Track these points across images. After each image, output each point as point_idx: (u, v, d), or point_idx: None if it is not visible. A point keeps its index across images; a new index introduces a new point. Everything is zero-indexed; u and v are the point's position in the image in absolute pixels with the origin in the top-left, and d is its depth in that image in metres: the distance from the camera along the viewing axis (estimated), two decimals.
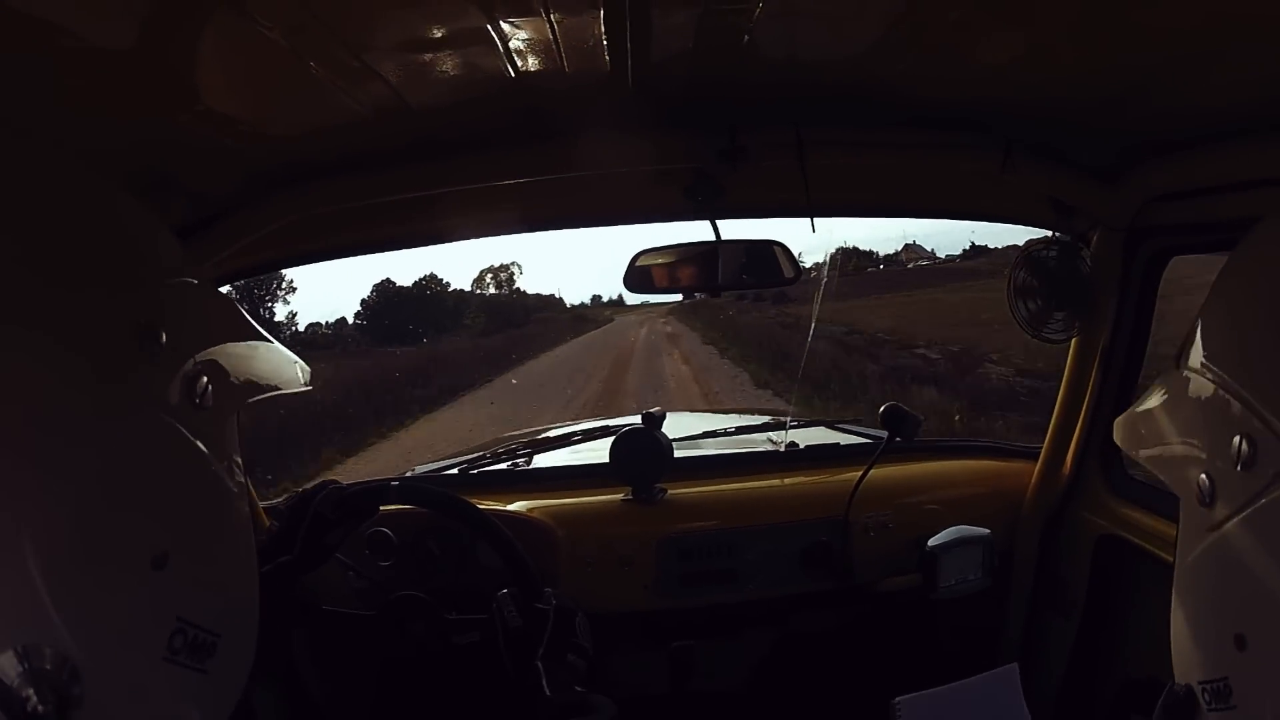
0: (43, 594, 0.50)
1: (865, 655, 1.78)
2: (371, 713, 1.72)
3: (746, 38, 1.04)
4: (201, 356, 0.62)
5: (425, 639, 1.50)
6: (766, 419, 2.42)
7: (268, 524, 1.67)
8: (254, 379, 0.70)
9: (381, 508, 1.52)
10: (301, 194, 1.40)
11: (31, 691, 0.48)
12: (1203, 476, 0.67)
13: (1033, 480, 1.74)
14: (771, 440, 2.10)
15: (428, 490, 1.55)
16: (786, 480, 1.87)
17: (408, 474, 2.07)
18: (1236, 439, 0.63)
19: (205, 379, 0.61)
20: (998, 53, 1.09)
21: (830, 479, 1.81)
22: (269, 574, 1.30)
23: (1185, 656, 0.71)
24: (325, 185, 1.40)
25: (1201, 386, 0.71)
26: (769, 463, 1.96)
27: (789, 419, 2.21)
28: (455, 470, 2.05)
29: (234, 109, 1.09)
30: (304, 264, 1.81)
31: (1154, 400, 0.83)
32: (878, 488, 1.72)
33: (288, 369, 0.76)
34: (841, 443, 2.07)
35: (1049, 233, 1.57)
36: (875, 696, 1.49)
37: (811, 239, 1.95)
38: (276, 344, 0.76)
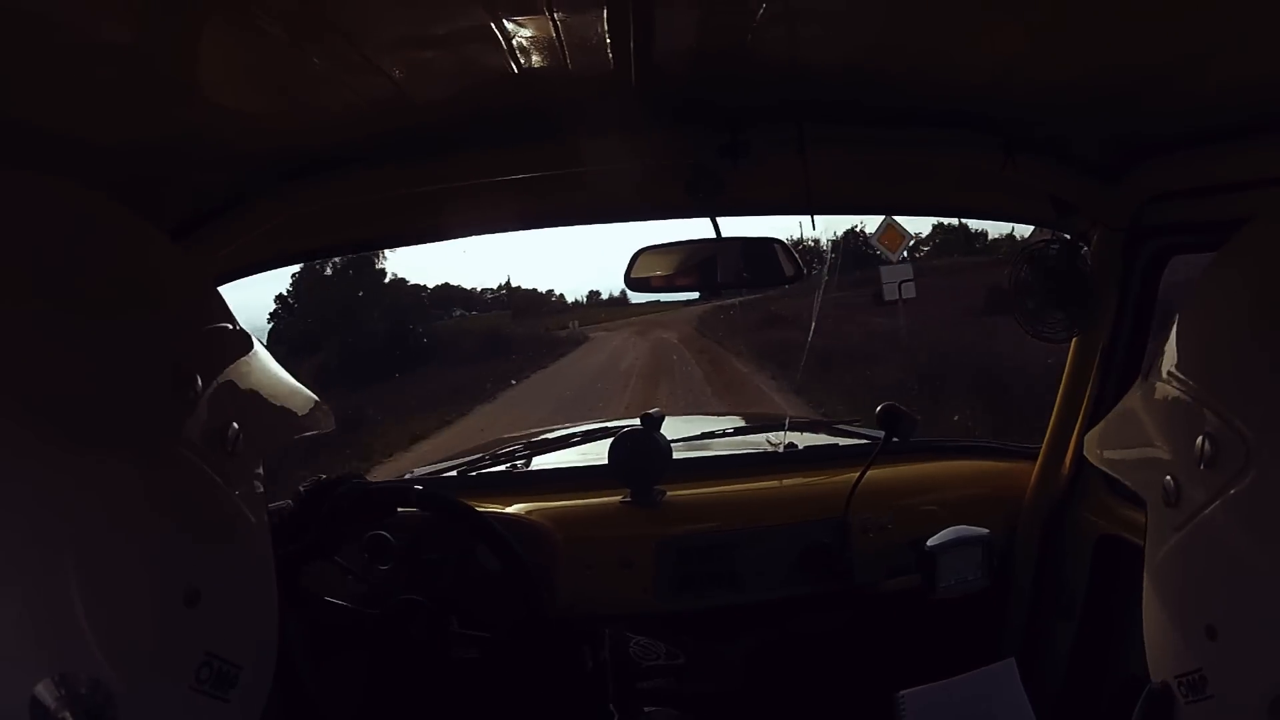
0: (84, 625, 0.53)
1: (865, 656, 1.78)
2: (369, 715, 1.71)
3: (749, 35, 1.04)
4: (233, 403, 0.65)
5: (425, 643, 1.49)
6: (764, 420, 2.41)
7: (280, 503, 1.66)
8: (282, 425, 0.73)
9: (400, 509, 1.51)
10: (302, 190, 1.40)
11: (69, 716, 0.51)
12: (1168, 478, 0.69)
13: (1032, 480, 1.74)
14: (769, 442, 2.10)
15: (449, 500, 1.53)
16: (785, 481, 1.86)
17: (405, 476, 2.06)
18: (1199, 439, 0.65)
19: (236, 425, 0.64)
20: (999, 50, 1.09)
21: (828, 480, 1.81)
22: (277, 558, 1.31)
23: (1160, 654, 0.72)
24: (327, 181, 1.40)
25: (1166, 393, 0.74)
26: (767, 464, 1.96)
27: (786, 420, 2.21)
28: (454, 473, 2.04)
29: (234, 104, 1.08)
30: (303, 261, 1.81)
31: (1121, 413, 0.86)
32: (876, 489, 1.72)
33: (313, 411, 0.79)
34: (839, 443, 2.07)
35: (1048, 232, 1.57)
36: (875, 697, 1.49)
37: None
38: (301, 387, 0.79)
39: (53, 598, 0.52)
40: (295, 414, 0.76)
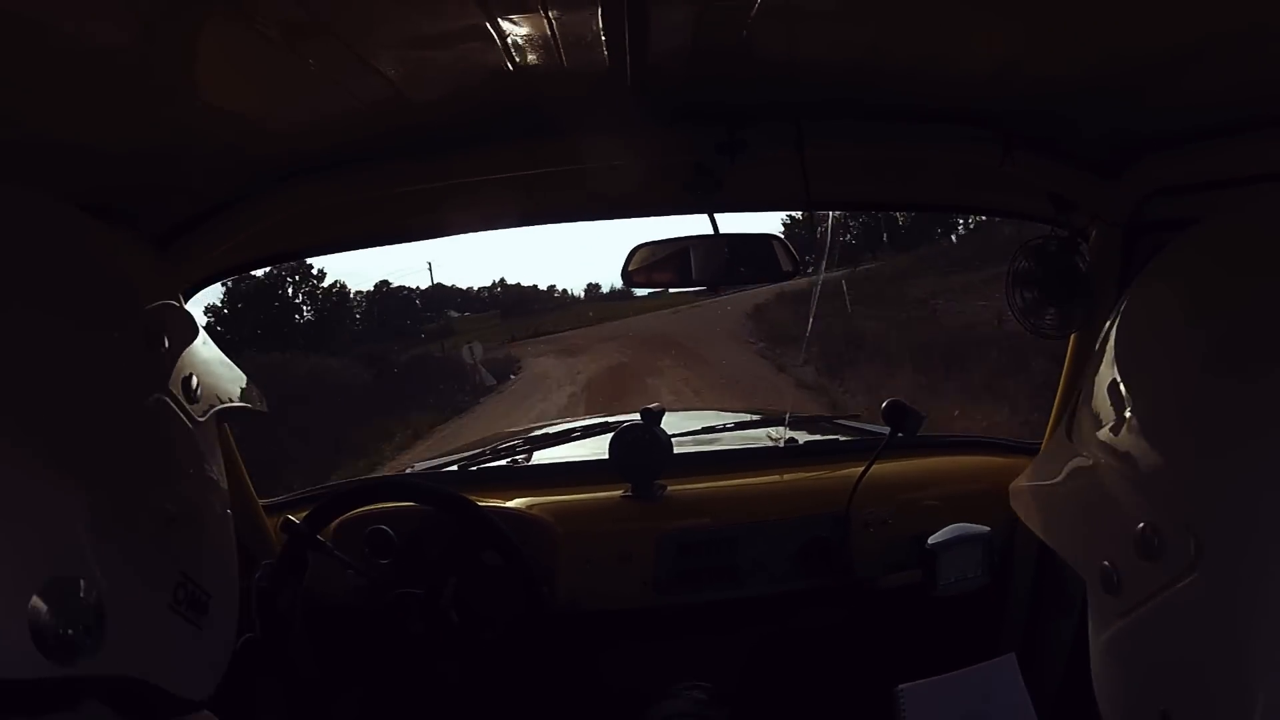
0: (81, 531, 0.58)
1: (865, 652, 1.78)
2: (369, 709, 1.72)
3: (745, 32, 1.04)
4: (192, 361, 0.75)
5: (425, 637, 1.50)
6: (766, 415, 2.41)
7: (267, 522, 1.68)
8: (229, 390, 0.83)
9: (310, 548, 1.56)
10: (297, 189, 1.40)
11: (65, 621, 0.55)
12: (1105, 564, 0.62)
13: None
14: (771, 436, 2.10)
15: (427, 487, 1.55)
16: (786, 476, 1.86)
17: (407, 470, 2.07)
18: (1140, 525, 0.58)
19: (195, 378, 0.74)
20: (998, 46, 1.08)
21: (830, 475, 1.81)
22: (241, 649, 1.40)
23: None
24: (322, 180, 1.40)
25: (1097, 463, 0.65)
26: (769, 459, 1.96)
27: (787, 415, 2.21)
28: (454, 467, 2.05)
29: (229, 105, 1.08)
30: (298, 259, 1.81)
31: (1047, 474, 0.77)
32: (878, 484, 1.72)
33: (251, 390, 0.89)
34: (841, 439, 2.07)
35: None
36: (875, 693, 1.49)
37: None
38: (239, 371, 0.88)
39: (55, 511, 0.58)
40: (240, 384, 0.86)
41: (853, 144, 1.45)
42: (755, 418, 2.39)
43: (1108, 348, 0.67)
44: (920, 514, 1.72)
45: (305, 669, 1.64)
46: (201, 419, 0.74)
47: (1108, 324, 0.68)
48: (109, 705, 0.61)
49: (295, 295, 31.48)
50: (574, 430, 2.24)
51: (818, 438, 2.07)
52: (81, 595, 0.57)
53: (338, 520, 1.59)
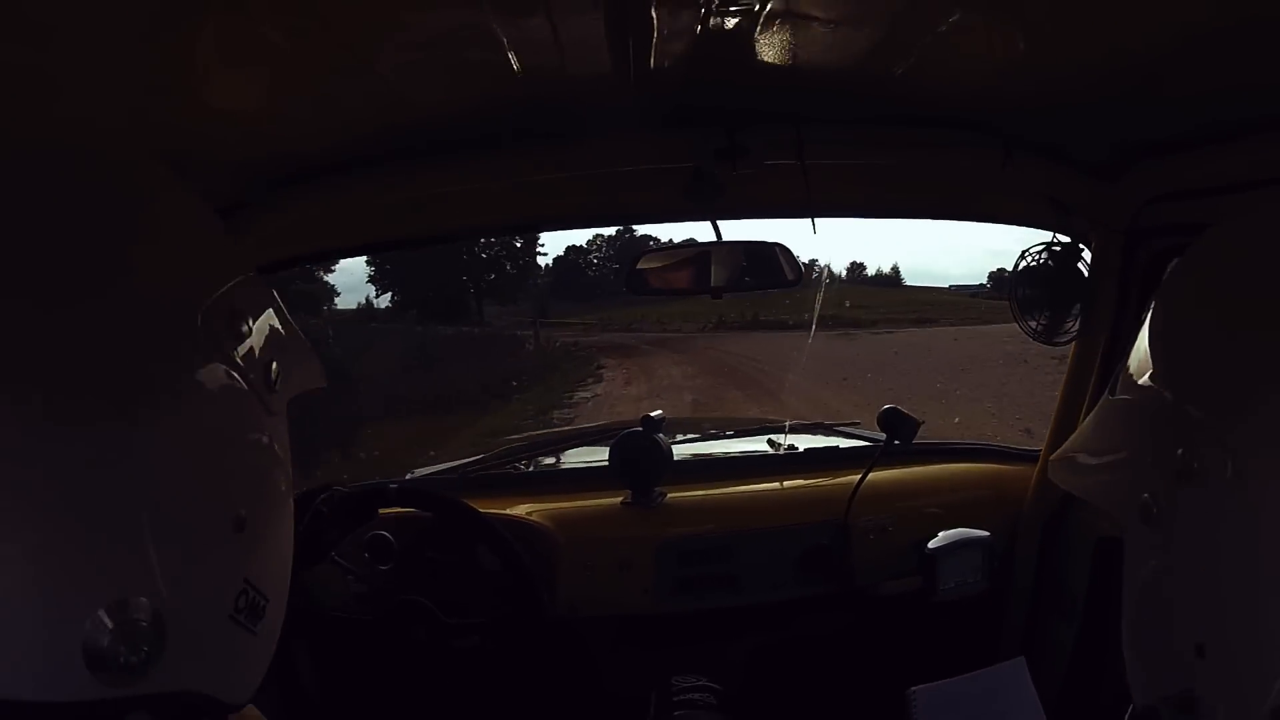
0: (149, 546, 0.56)
1: (866, 658, 1.78)
2: (370, 716, 1.71)
3: (747, 38, 1.04)
4: (272, 344, 0.71)
5: (426, 644, 1.50)
6: (765, 423, 2.41)
7: None
8: (303, 371, 0.78)
9: (381, 510, 1.52)
10: (301, 194, 1.40)
11: (123, 645, 0.54)
12: (1145, 496, 0.65)
13: (1033, 483, 1.74)
14: (770, 444, 2.10)
15: (427, 493, 1.55)
16: (785, 484, 1.86)
17: (408, 476, 2.07)
18: (1178, 451, 0.61)
19: (275, 364, 0.69)
20: (997, 53, 1.09)
21: (829, 482, 1.81)
22: None
23: (1144, 676, 0.69)
24: (324, 185, 1.40)
25: (1137, 406, 0.70)
26: (768, 466, 1.96)
27: (787, 423, 2.21)
28: (456, 474, 2.05)
29: (233, 108, 1.09)
30: (302, 264, 1.81)
31: (1088, 432, 0.81)
32: (877, 491, 1.72)
33: (318, 365, 0.84)
34: (840, 446, 2.07)
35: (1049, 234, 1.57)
36: (876, 700, 1.48)
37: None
38: (306, 340, 0.83)
39: (124, 521, 0.55)
40: (311, 366, 0.81)
41: (853, 150, 1.45)
42: (755, 426, 2.39)
43: (1155, 307, 0.73)
44: (920, 520, 1.72)
45: (305, 676, 1.64)
46: (277, 410, 0.70)
47: (1166, 282, 0.75)
48: (156, 717, 0.59)
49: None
50: (574, 437, 2.24)
51: (817, 445, 2.07)
52: (142, 617, 0.55)
53: (388, 510, 1.58)
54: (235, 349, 0.65)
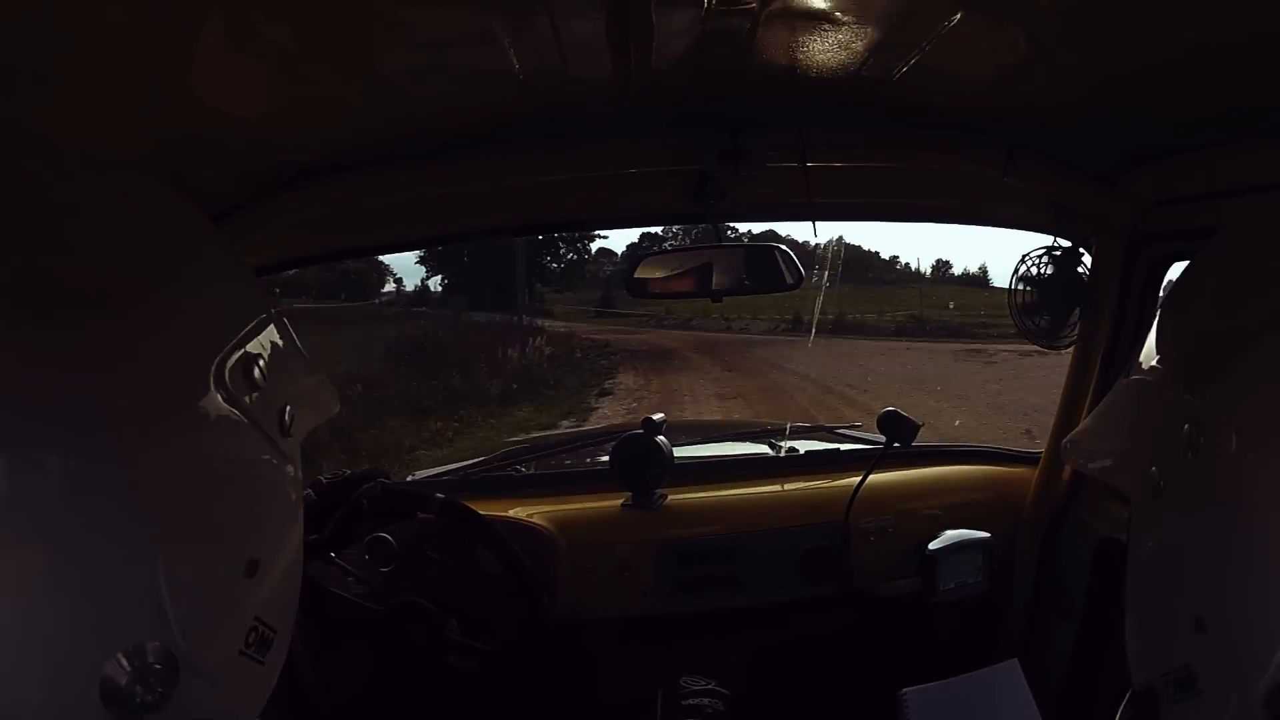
0: (164, 597, 0.57)
1: (866, 659, 1.78)
2: (365, 714, 1.71)
3: (750, 41, 1.05)
4: (286, 386, 0.71)
5: (425, 647, 1.50)
6: (766, 425, 2.42)
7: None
8: (317, 406, 0.79)
9: (420, 514, 1.51)
10: (303, 195, 1.41)
11: (138, 686, 0.55)
12: (1152, 469, 0.67)
13: (1033, 485, 1.74)
14: (770, 446, 2.10)
15: (470, 515, 1.51)
16: (786, 486, 1.86)
17: (409, 478, 2.07)
18: (1185, 426, 0.63)
19: (289, 407, 0.70)
20: (1000, 57, 1.09)
21: (830, 484, 1.81)
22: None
23: (1144, 652, 0.70)
24: (327, 186, 1.41)
25: (1147, 386, 0.73)
26: (769, 468, 1.96)
27: (788, 426, 2.21)
28: (456, 477, 2.05)
29: (235, 110, 1.09)
30: (302, 266, 1.81)
31: (1100, 412, 0.84)
32: (878, 493, 1.72)
33: (332, 394, 0.85)
34: (841, 448, 2.07)
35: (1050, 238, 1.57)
36: (876, 700, 1.49)
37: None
38: (320, 367, 0.83)
39: (138, 572, 0.56)
40: (325, 397, 0.81)
41: (855, 153, 1.45)
42: (756, 428, 2.39)
43: (1170, 296, 0.76)
44: (920, 522, 1.73)
45: (306, 676, 1.64)
46: (291, 455, 0.71)
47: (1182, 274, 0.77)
48: None
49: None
50: (575, 439, 2.24)
51: (818, 447, 2.07)
52: (156, 660, 0.56)
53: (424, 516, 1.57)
54: (250, 398, 0.66)
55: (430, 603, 1.51)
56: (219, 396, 0.63)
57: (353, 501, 1.45)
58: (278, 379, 0.69)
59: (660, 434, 1.76)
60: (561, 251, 26.37)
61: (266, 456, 0.67)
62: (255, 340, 0.68)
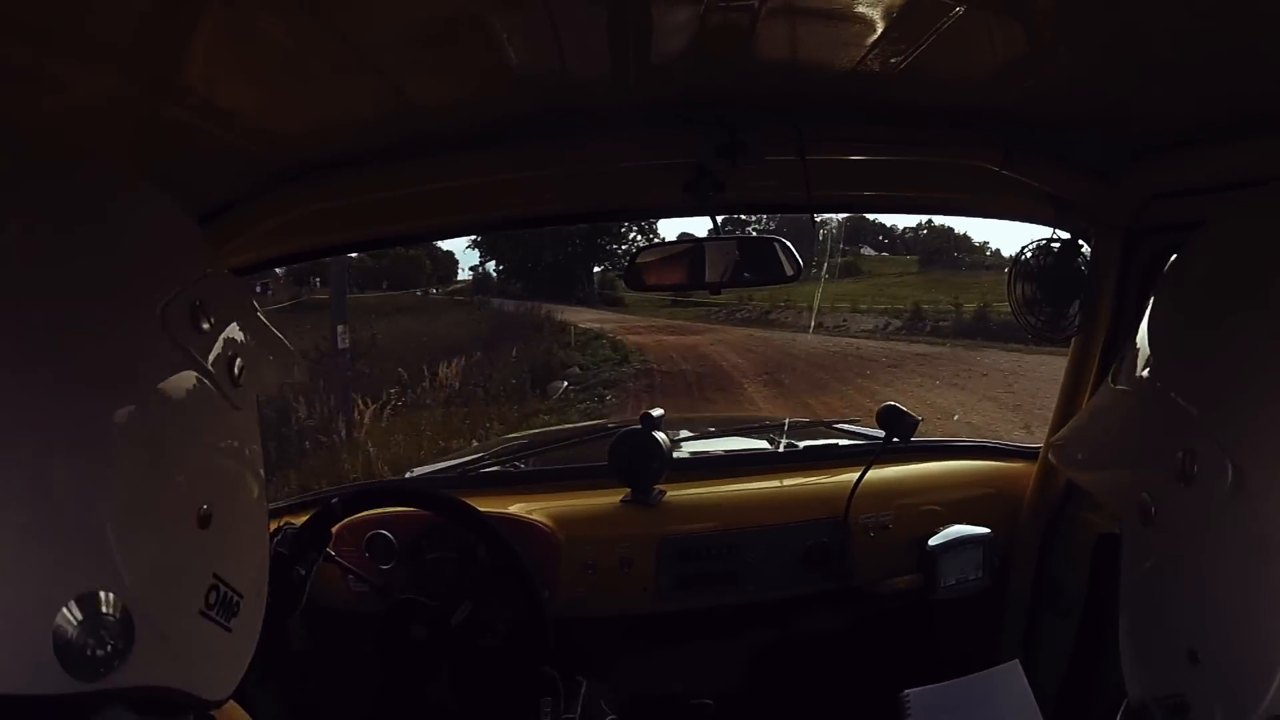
0: (112, 542, 0.56)
1: (866, 656, 1.78)
2: (370, 714, 1.71)
3: (748, 36, 1.04)
4: (236, 339, 0.70)
5: (428, 644, 1.50)
6: (765, 420, 2.42)
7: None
8: (272, 366, 0.77)
9: (334, 528, 1.55)
10: (300, 190, 1.40)
11: (91, 639, 0.54)
12: (1144, 495, 0.64)
13: (1032, 480, 1.74)
14: (769, 441, 2.10)
15: (371, 490, 1.56)
16: (785, 481, 1.86)
17: (407, 475, 2.06)
18: (1178, 454, 0.60)
19: (239, 359, 0.69)
20: (998, 54, 1.09)
21: (829, 480, 1.81)
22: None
23: (1138, 673, 0.68)
24: (323, 181, 1.40)
25: (1139, 401, 0.69)
26: (767, 464, 1.96)
27: (786, 421, 2.21)
28: (454, 472, 2.05)
29: (234, 105, 1.08)
30: (301, 261, 1.81)
31: (1089, 419, 0.81)
32: (877, 488, 1.72)
33: (293, 362, 0.83)
34: (840, 443, 2.07)
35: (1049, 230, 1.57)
36: (876, 697, 1.49)
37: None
38: (282, 339, 0.82)
39: (85, 516, 0.55)
40: (282, 360, 0.80)
41: (854, 147, 1.45)
42: (755, 424, 2.39)
43: (1161, 297, 0.73)
44: (920, 518, 1.72)
45: (306, 671, 1.64)
46: (243, 405, 0.70)
47: (1171, 270, 0.74)
48: (131, 710, 0.60)
49: None
50: (573, 435, 2.24)
51: (816, 443, 2.07)
52: (109, 610, 0.55)
53: (339, 525, 1.58)
54: (196, 344, 0.65)
55: (431, 600, 1.51)
56: (163, 337, 0.63)
57: (273, 557, 1.48)
58: (226, 329, 0.69)
59: (659, 429, 1.75)
60: (624, 230, 24.01)
61: (214, 402, 0.66)
62: (202, 291, 0.67)
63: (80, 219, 0.63)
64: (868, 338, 16.49)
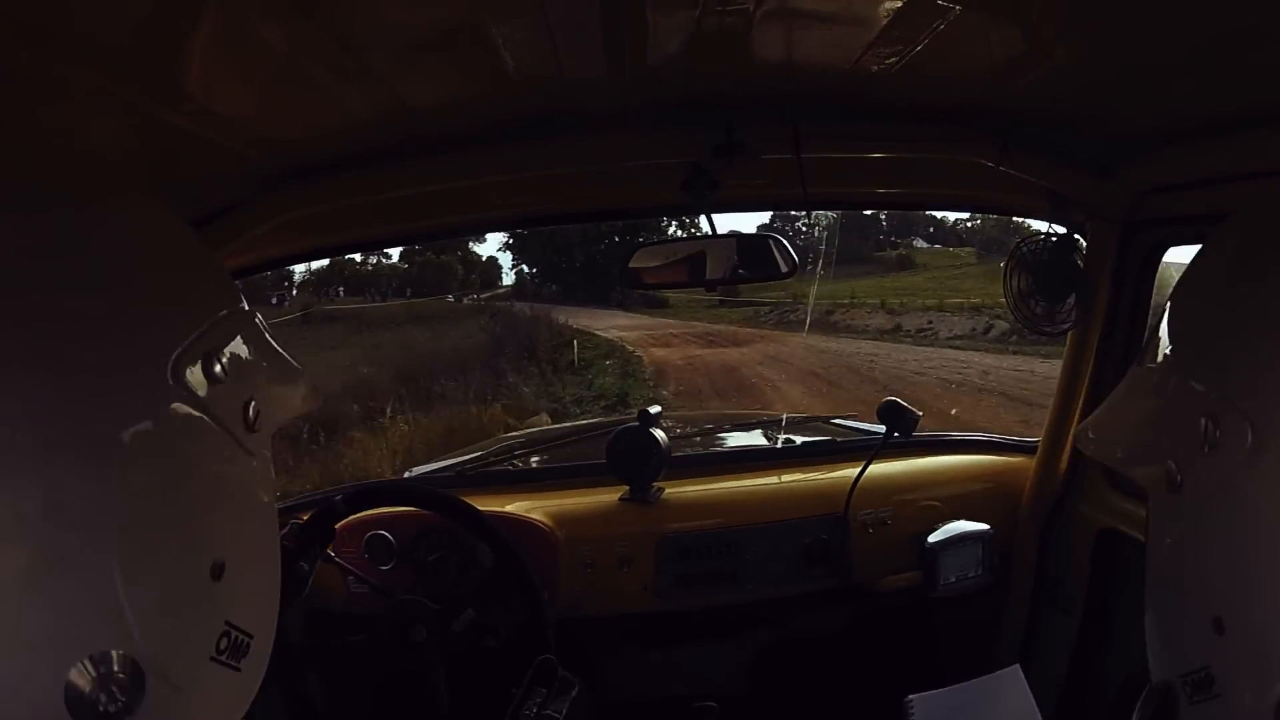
0: (124, 604, 0.56)
1: (866, 653, 1.78)
2: (370, 716, 1.71)
3: (743, 35, 1.04)
4: (250, 381, 0.69)
5: (427, 645, 1.50)
6: (763, 417, 2.42)
7: None
8: (288, 402, 0.77)
9: (336, 525, 1.55)
10: (297, 193, 1.40)
11: (102, 695, 0.54)
12: (1170, 464, 0.67)
13: (1031, 475, 1.74)
14: (768, 437, 2.10)
15: (376, 489, 1.56)
16: (784, 478, 1.86)
17: (405, 475, 2.06)
18: (1202, 421, 0.62)
19: (254, 403, 0.68)
20: (994, 51, 1.09)
21: (828, 476, 1.81)
22: None
23: (1163, 651, 0.70)
24: (320, 184, 1.40)
25: (1163, 378, 0.72)
26: (766, 460, 1.96)
27: (785, 417, 2.21)
28: (453, 472, 2.05)
29: (231, 109, 1.08)
30: (300, 262, 1.81)
31: (1116, 401, 0.83)
32: (876, 484, 1.71)
33: (308, 390, 0.84)
34: (839, 439, 2.07)
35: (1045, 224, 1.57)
36: (876, 694, 1.49)
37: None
38: (297, 365, 0.82)
39: (94, 579, 0.55)
40: (298, 392, 0.80)
41: (850, 144, 1.45)
42: (753, 420, 2.39)
43: (1184, 280, 0.75)
44: (920, 513, 1.72)
45: (307, 677, 1.64)
46: (257, 450, 0.69)
47: (1195, 258, 0.76)
48: None
49: None
50: (571, 433, 2.24)
51: (815, 439, 2.07)
52: (119, 668, 0.55)
53: (342, 522, 1.58)
54: (209, 395, 0.64)
55: (430, 600, 1.51)
56: (174, 393, 0.61)
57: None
58: (241, 373, 0.67)
59: (657, 426, 1.75)
60: (666, 225, 23.93)
61: (228, 453, 0.65)
62: (215, 334, 0.66)
63: (98, 260, 0.61)
64: (970, 348, 12.48)
